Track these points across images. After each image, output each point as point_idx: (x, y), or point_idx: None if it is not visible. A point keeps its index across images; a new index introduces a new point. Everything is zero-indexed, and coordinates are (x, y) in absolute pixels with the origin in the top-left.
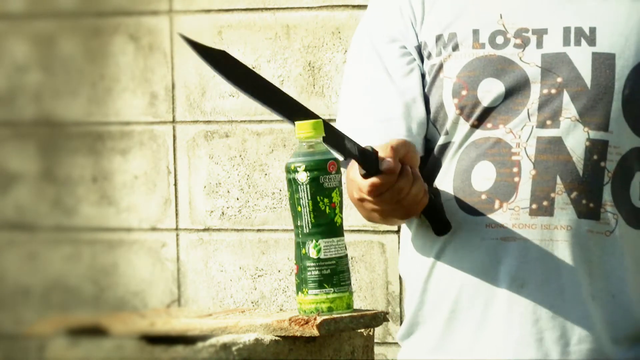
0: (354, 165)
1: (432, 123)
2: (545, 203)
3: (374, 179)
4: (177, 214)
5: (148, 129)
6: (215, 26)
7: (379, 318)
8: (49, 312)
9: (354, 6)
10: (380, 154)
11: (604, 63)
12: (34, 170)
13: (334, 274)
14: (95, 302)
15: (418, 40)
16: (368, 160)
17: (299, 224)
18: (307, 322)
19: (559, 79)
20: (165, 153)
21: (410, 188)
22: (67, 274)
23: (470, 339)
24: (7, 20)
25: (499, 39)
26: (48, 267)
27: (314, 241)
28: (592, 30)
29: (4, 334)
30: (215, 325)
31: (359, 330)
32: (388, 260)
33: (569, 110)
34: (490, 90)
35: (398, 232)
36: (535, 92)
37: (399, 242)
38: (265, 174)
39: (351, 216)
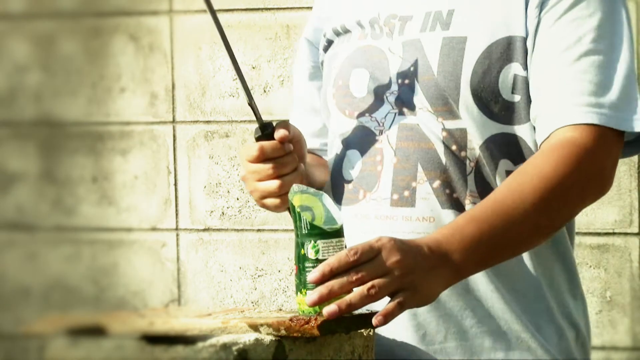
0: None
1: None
2: (406, 193)
3: (263, 142)
4: (177, 214)
5: (148, 129)
6: None
7: None
8: (49, 312)
9: None
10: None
11: (454, 48)
12: (34, 170)
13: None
14: (95, 302)
15: (324, 32)
16: (267, 128)
17: (297, 225)
18: (307, 322)
19: (412, 68)
20: (165, 153)
21: (292, 170)
22: (67, 274)
23: None
24: (7, 20)
25: (377, 28)
26: (48, 267)
27: (312, 242)
28: (450, 13)
29: (4, 334)
30: (215, 325)
31: (359, 330)
32: None
33: (421, 100)
34: (358, 80)
35: None
36: (395, 82)
37: None
38: None
39: None
